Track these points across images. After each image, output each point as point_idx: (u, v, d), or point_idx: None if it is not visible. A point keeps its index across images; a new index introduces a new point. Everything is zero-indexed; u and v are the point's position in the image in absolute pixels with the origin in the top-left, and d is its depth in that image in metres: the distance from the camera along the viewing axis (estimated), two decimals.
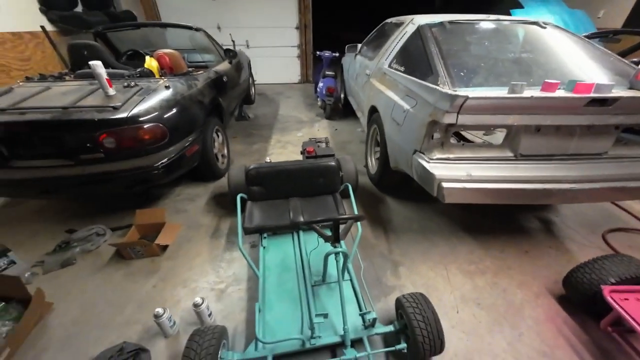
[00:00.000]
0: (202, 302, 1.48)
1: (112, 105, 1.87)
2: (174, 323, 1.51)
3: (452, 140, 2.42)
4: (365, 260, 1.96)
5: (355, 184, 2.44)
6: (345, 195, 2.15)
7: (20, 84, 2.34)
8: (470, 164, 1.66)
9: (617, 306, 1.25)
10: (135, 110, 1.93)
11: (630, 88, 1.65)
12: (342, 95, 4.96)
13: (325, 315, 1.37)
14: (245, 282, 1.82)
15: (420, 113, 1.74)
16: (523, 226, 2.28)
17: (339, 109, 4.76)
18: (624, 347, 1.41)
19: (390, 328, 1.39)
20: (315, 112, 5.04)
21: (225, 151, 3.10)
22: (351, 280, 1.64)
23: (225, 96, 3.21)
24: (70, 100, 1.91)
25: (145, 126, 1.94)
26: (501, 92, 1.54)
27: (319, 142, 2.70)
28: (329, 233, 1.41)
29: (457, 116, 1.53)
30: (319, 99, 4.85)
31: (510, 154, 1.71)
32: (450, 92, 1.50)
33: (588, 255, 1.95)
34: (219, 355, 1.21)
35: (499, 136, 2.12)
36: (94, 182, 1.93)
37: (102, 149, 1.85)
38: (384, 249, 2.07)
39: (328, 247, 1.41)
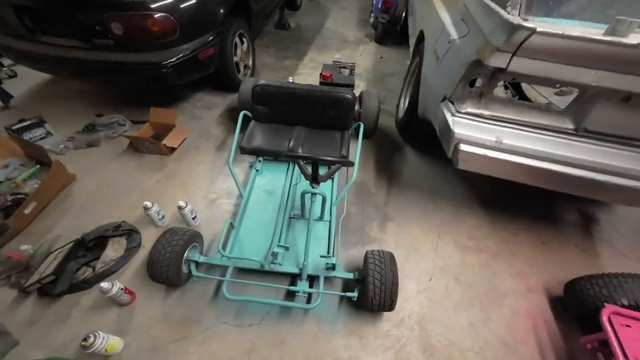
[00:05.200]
0: (186, 206, 1.58)
1: None
2: (163, 217, 1.67)
3: (503, 93, 1.92)
4: (357, 207, 1.87)
5: (373, 125, 2.17)
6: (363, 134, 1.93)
7: None
8: (507, 129, 1.30)
9: (608, 329, 1.06)
10: None
11: None
12: (403, 15, 4.04)
13: (287, 248, 1.39)
14: (235, 198, 1.89)
15: (467, 47, 1.31)
16: (556, 214, 1.92)
17: (394, 31, 3.95)
18: None
19: (350, 276, 1.39)
20: (365, 32, 4.30)
21: (250, 62, 2.88)
22: (330, 222, 1.60)
23: None
24: None
25: (155, 16, 1.79)
26: (593, 30, 1.05)
27: (342, 67, 2.32)
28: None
29: (511, 58, 1.11)
30: (372, 16, 4.05)
31: (569, 126, 1.28)
32: (512, 19, 1.06)
33: (619, 267, 1.63)
34: (184, 255, 1.34)
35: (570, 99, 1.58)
36: (107, 70, 1.95)
37: (111, 34, 1.78)
38: (380, 200, 1.94)
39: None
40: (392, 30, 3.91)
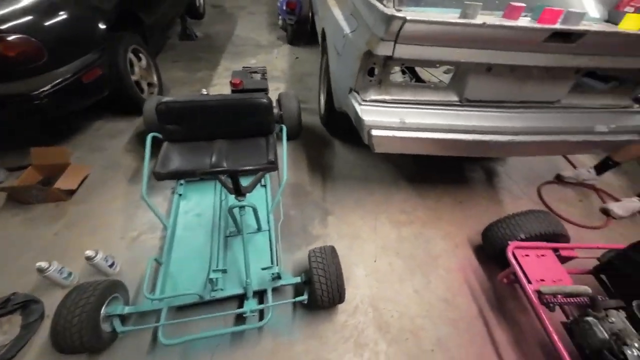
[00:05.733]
0: (96, 255, 1.36)
1: None
2: (70, 274, 1.41)
3: (401, 78, 2.12)
4: (296, 208, 1.86)
5: (297, 126, 2.18)
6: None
7: None
8: (407, 109, 1.44)
9: (513, 262, 1.26)
10: None
11: (607, 21, 1.37)
12: (310, 14, 4.16)
13: (224, 271, 1.30)
14: (161, 230, 1.69)
15: (358, 40, 1.40)
16: (466, 176, 2.22)
17: (305, 31, 4.05)
18: (520, 297, 1.50)
19: (297, 280, 1.36)
20: (277, 35, 4.31)
21: (154, 78, 2.62)
22: (269, 230, 1.55)
23: (147, 3, 2.53)
24: None
25: (8, 38, 1.48)
26: (452, 15, 1.22)
27: (253, 72, 2.29)
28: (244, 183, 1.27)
29: (395, 46, 1.22)
30: (280, 18, 4.08)
31: (455, 99, 1.48)
32: (387, 11, 1.16)
33: (518, 207, 1.95)
34: (101, 311, 1.14)
35: None
36: None
37: None
38: (317, 196, 1.96)
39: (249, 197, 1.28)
40: (302, 30, 3.99)
